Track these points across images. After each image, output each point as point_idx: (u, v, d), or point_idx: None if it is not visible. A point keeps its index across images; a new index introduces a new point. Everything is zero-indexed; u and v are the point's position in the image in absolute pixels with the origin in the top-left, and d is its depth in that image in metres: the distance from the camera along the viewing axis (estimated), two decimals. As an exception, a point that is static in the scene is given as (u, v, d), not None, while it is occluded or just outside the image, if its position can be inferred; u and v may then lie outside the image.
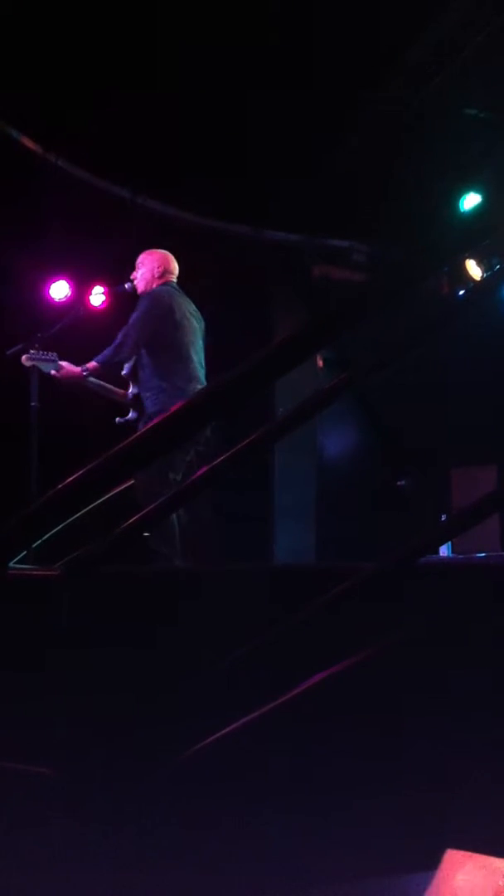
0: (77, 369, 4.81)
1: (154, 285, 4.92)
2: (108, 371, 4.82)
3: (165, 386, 4.69)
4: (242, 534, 6.94)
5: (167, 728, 2.06)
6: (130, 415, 4.86)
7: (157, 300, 4.82)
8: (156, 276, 4.93)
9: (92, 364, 4.81)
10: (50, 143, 6.38)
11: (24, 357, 4.82)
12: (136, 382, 4.83)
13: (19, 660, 2.19)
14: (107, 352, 4.79)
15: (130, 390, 4.85)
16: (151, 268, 4.94)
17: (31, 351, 4.82)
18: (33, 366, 4.84)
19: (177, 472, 4.54)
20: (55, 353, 4.84)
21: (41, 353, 4.83)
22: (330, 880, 2.05)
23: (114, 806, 2.05)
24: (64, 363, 4.83)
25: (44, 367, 4.83)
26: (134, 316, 4.80)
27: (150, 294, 4.86)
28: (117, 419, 4.88)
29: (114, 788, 2.06)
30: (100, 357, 4.80)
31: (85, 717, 2.14)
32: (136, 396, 4.82)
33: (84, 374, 4.81)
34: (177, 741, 2.03)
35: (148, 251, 5.01)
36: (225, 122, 6.10)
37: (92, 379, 4.85)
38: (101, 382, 4.90)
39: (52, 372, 4.82)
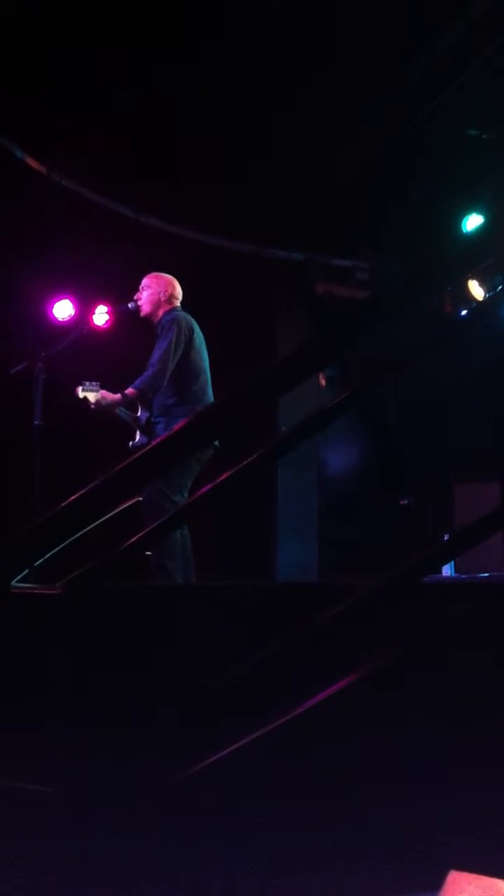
0: (117, 396, 4.75)
1: (162, 309, 4.92)
2: (143, 398, 4.78)
3: (183, 411, 4.69)
4: (244, 549, 6.94)
5: (167, 746, 2.06)
6: (139, 438, 4.85)
7: (182, 326, 4.81)
8: (163, 300, 4.93)
9: (130, 391, 4.74)
10: (53, 162, 6.42)
11: (78, 389, 4.72)
12: (146, 407, 4.82)
13: (21, 676, 2.19)
14: (144, 379, 4.72)
15: (140, 414, 4.85)
16: (158, 291, 4.94)
17: (86, 382, 4.73)
18: (84, 397, 4.71)
19: (181, 491, 4.54)
20: (97, 383, 4.76)
21: (89, 383, 4.74)
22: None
23: (113, 823, 2.05)
24: (104, 391, 4.75)
25: (91, 396, 4.73)
26: (164, 343, 4.74)
27: (173, 320, 4.82)
28: (130, 443, 4.87)
29: (113, 806, 2.05)
30: (137, 384, 4.73)
31: (85, 735, 2.13)
32: (148, 420, 4.82)
33: (123, 400, 4.74)
34: (178, 759, 2.02)
35: (154, 274, 5.01)
36: (228, 140, 6.14)
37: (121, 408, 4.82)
38: (126, 410, 4.87)
39: (92, 402, 4.72)
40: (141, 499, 4.37)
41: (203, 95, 5.79)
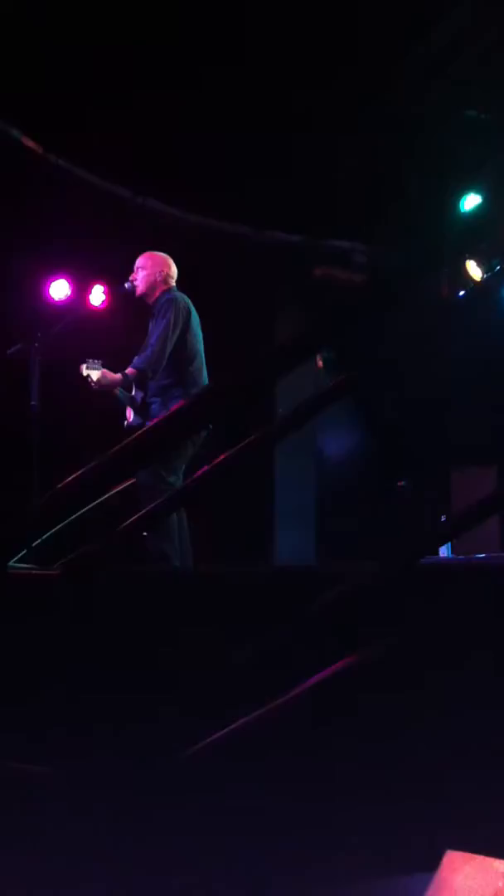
0: (118, 376, 4.74)
1: (158, 289, 4.89)
2: (142, 378, 4.76)
3: (179, 392, 4.68)
4: (242, 535, 6.95)
5: (166, 728, 2.06)
6: (133, 419, 4.84)
7: (180, 306, 4.79)
8: (159, 279, 4.91)
9: (130, 370, 4.74)
10: (50, 143, 6.37)
11: (83, 366, 4.70)
12: (140, 387, 4.81)
13: (19, 659, 2.19)
14: (144, 359, 4.72)
15: (134, 394, 4.84)
16: (154, 271, 4.92)
17: (89, 360, 4.72)
18: (87, 376, 4.69)
19: (176, 473, 4.54)
20: (100, 361, 4.74)
21: (92, 360, 4.72)
22: (330, 881, 2.05)
23: (114, 805, 2.05)
24: (105, 370, 4.73)
25: (94, 374, 4.71)
26: (163, 322, 4.74)
27: (170, 300, 4.81)
28: (125, 423, 4.86)
29: (114, 788, 2.05)
30: (137, 363, 4.74)
31: (85, 717, 2.13)
32: (143, 400, 4.81)
33: (123, 380, 4.74)
34: (177, 742, 2.02)
35: (148, 253, 4.98)
36: (226, 122, 6.10)
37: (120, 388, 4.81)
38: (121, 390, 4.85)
39: (94, 380, 4.70)
40: (135, 481, 4.37)
41: (202, 78, 5.74)
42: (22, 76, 5.65)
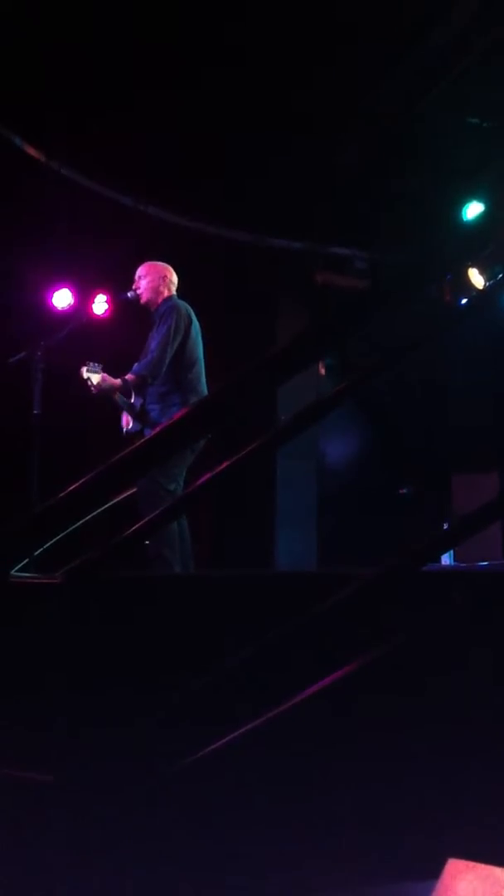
0: (117, 381, 4.77)
1: (160, 297, 4.93)
2: (142, 384, 4.79)
3: (178, 399, 4.70)
4: (243, 540, 6.95)
5: (168, 734, 2.06)
6: (133, 426, 4.85)
7: (181, 314, 4.82)
8: (161, 287, 4.94)
9: (130, 376, 4.77)
10: (53, 151, 6.40)
11: (83, 369, 4.71)
12: (140, 394, 4.83)
13: (21, 667, 2.19)
14: (145, 365, 4.74)
15: (134, 400, 4.85)
16: (156, 279, 4.96)
17: (90, 363, 4.74)
18: (88, 379, 4.71)
19: (177, 480, 4.55)
20: (100, 364, 4.76)
21: (93, 364, 4.74)
22: (331, 888, 2.05)
23: (114, 812, 2.05)
24: (105, 374, 4.76)
25: (94, 378, 4.73)
26: (163, 329, 4.76)
27: (172, 307, 4.84)
28: (124, 430, 4.88)
29: (114, 795, 2.06)
30: (137, 369, 4.76)
31: (86, 723, 2.14)
32: (142, 407, 4.82)
33: (123, 385, 4.76)
34: (178, 747, 2.02)
35: (150, 263, 5.03)
36: (227, 128, 6.12)
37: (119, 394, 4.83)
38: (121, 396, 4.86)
39: (94, 384, 4.73)
40: (137, 489, 4.37)
41: (202, 84, 5.76)
42: (24, 84, 5.67)
